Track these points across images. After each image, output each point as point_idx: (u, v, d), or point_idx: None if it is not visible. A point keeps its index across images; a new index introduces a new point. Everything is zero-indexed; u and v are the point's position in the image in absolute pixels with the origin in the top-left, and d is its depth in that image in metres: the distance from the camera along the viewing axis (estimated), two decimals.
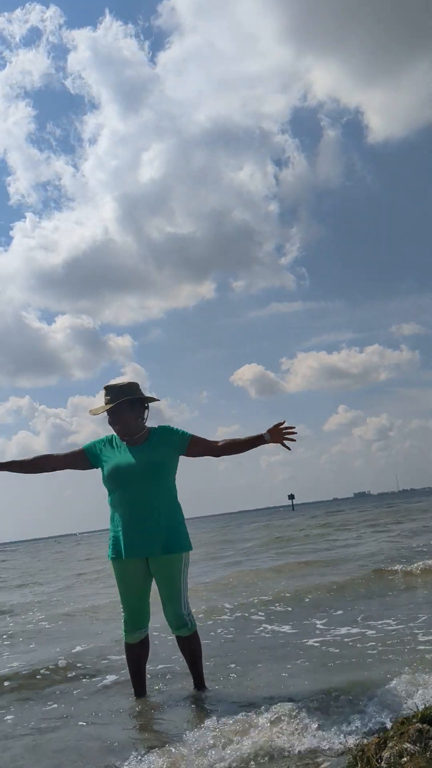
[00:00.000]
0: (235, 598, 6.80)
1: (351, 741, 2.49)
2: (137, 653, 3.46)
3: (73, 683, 4.03)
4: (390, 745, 2.25)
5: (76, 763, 2.71)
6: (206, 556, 13.35)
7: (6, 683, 4.07)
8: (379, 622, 4.88)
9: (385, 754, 2.21)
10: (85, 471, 3.48)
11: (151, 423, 3.45)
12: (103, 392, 3.39)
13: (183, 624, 3.33)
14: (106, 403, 3.35)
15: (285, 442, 3.39)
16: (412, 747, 2.20)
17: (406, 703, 2.90)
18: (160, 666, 4.08)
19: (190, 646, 3.41)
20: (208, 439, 3.46)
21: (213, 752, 2.58)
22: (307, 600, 6.34)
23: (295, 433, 3.39)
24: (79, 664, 4.39)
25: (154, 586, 3.38)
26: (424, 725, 2.30)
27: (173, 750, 2.65)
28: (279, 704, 3.07)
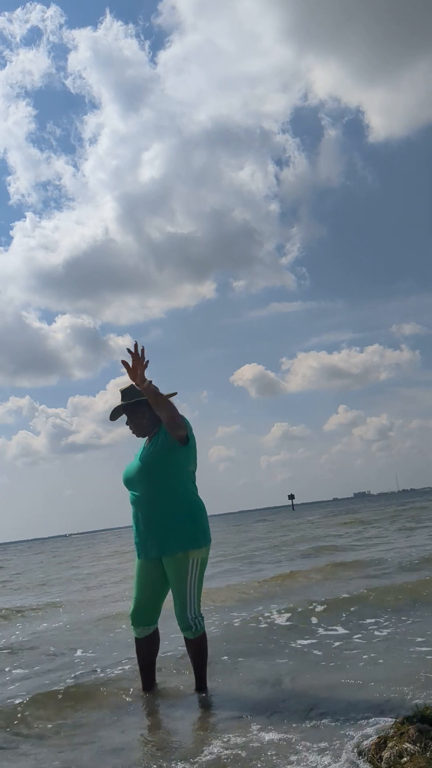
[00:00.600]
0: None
1: (351, 741, 2.48)
2: (145, 648, 3.49)
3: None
4: (390, 745, 2.25)
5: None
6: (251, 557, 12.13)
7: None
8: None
9: (385, 754, 2.21)
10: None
11: None
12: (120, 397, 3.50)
13: (188, 627, 3.31)
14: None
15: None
16: (412, 747, 2.20)
17: (406, 703, 2.90)
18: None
19: (195, 649, 3.39)
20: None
21: (211, 751, 2.58)
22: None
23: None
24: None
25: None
26: (424, 725, 2.30)
27: (171, 748, 2.65)
28: (279, 704, 3.08)
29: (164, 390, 3.45)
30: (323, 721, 2.83)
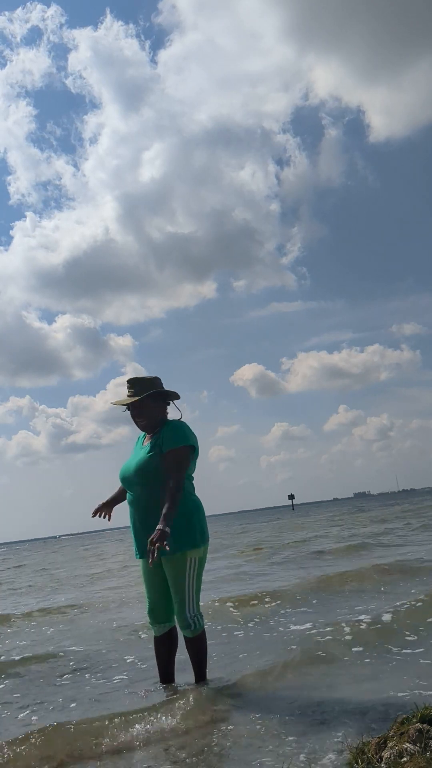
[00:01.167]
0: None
1: (351, 741, 2.48)
2: (163, 645, 3.51)
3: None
4: (390, 745, 2.25)
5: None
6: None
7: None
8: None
9: (385, 754, 2.21)
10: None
11: None
12: (126, 386, 3.44)
13: (187, 625, 3.33)
14: (129, 397, 3.40)
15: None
16: (412, 747, 2.20)
17: (405, 703, 2.90)
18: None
19: (194, 648, 3.42)
20: (172, 470, 3.22)
21: (210, 751, 2.58)
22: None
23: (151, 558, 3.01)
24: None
25: None
26: (424, 725, 2.30)
27: (169, 745, 2.65)
28: (277, 704, 3.08)
29: (166, 388, 3.45)
30: (323, 720, 2.83)
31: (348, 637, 4.35)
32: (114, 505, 3.63)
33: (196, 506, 3.39)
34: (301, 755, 2.48)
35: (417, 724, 2.31)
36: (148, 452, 3.34)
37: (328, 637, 4.34)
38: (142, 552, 3.38)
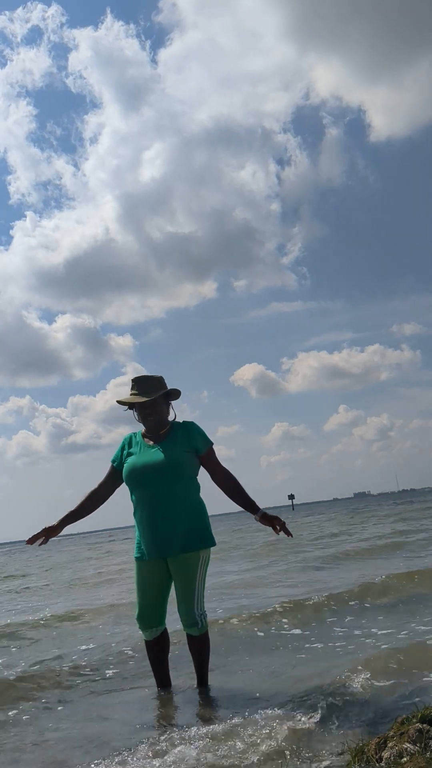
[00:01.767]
0: None
1: (350, 741, 2.48)
2: (156, 649, 3.50)
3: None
4: (390, 745, 2.24)
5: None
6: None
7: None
8: None
9: (385, 754, 2.21)
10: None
11: None
12: (130, 384, 3.41)
13: (194, 623, 3.34)
14: (133, 396, 3.38)
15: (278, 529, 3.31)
16: (412, 747, 2.19)
17: (406, 703, 2.90)
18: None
19: (199, 646, 3.42)
20: (219, 465, 3.43)
21: (210, 751, 2.58)
22: None
23: (291, 536, 3.34)
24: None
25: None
26: (424, 725, 2.30)
27: (169, 746, 2.64)
28: (278, 703, 3.07)
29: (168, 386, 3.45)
30: (323, 720, 2.82)
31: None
32: (64, 527, 3.41)
33: (205, 506, 3.43)
34: (301, 755, 2.48)
35: (417, 724, 2.30)
36: (172, 447, 3.33)
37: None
38: (160, 551, 3.29)
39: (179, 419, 3.50)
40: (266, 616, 5.46)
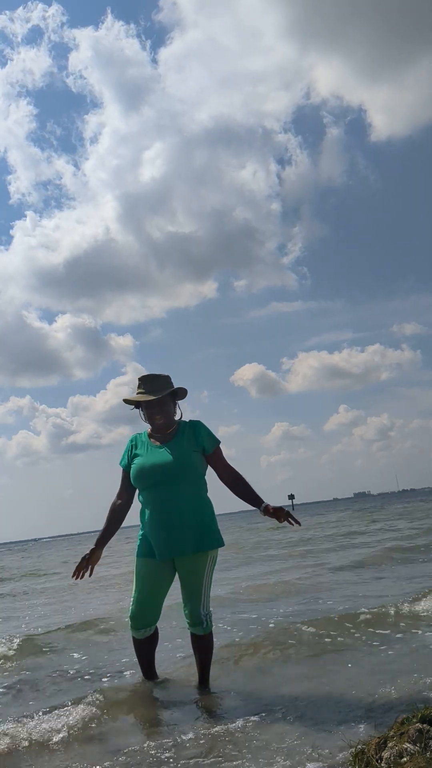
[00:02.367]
0: None
1: (350, 741, 2.48)
2: (146, 647, 3.52)
3: None
4: (390, 745, 2.25)
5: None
6: None
7: None
8: None
9: (385, 754, 2.21)
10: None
11: None
12: (137, 383, 3.41)
13: (199, 623, 3.36)
14: (140, 395, 3.37)
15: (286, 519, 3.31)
16: (412, 747, 2.20)
17: (406, 703, 2.90)
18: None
19: (203, 646, 3.43)
20: (226, 463, 3.44)
21: (210, 751, 2.58)
22: None
23: (298, 524, 3.33)
24: None
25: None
26: (424, 725, 2.30)
27: (169, 746, 2.65)
28: (278, 704, 3.08)
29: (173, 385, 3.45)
30: (323, 720, 2.83)
31: (355, 636, 4.35)
32: (103, 549, 3.38)
33: (212, 506, 3.44)
34: (301, 755, 2.48)
35: (417, 724, 2.30)
36: (183, 447, 3.33)
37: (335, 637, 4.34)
38: (170, 551, 3.29)
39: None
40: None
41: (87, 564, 3.32)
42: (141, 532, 3.41)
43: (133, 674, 3.99)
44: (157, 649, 3.65)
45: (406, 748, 2.20)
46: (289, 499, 72.77)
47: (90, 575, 3.33)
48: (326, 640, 4.37)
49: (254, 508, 3.37)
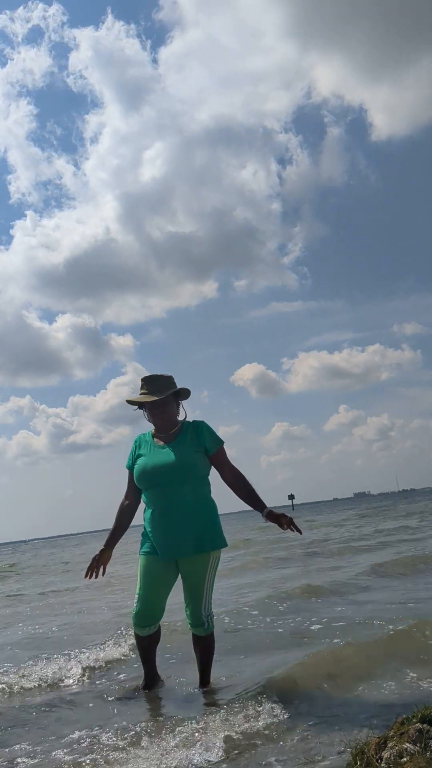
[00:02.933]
0: None
1: (350, 741, 2.48)
2: (148, 644, 3.51)
3: None
4: (390, 745, 2.24)
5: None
6: None
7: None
8: None
9: (385, 754, 2.21)
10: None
11: None
12: (141, 384, 3.40)
13: (200, 624, 3.36)
14: (143, 395, 3.37)
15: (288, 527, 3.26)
16: (412, 747, 2.20)
17: (405, 703, 2.91)
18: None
19: (203, 646, 3.43)
20: (229, 464, 3.43)
21: (211, 750, 2.58)
22: None
23: (299, 532, 3.31)
24: None
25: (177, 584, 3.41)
26: (424, 725, 2.30)
27: (169, 745, 2.65)
28: (279, 704, 3.08)
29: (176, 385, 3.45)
30: (323, 720, 2.83)
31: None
32: (113, 549, 3.46)
33: (216, 507, 3.44)
34: (301, 755, 2.48)
35: (417, 724, 2.30)
36: (186, 447, 3.32)
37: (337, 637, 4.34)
38: (172, 552, 3.30)
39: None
40: None
41: (98, 564, 3.40)
42: (144, 532, 3.42)
43: (132, 674, 3.99)
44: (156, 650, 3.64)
45: (406, 748, 2.19)
46: (289, 499, 72.78)
47: (104, 575, 3.43)
48: (326, 640, 4.37)
49: (248, 510, 3.37)
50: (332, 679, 3.50)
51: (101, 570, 3.41)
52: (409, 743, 2.22)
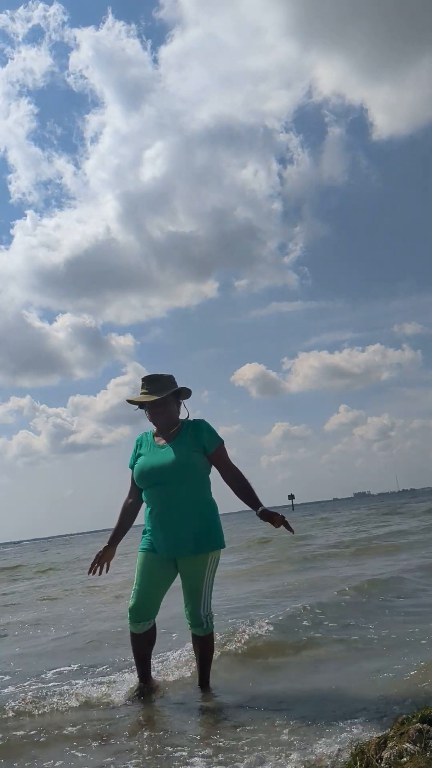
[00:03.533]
0: None
1: (351, 741, 2.48)
2: (144, 643, 3.49)
3: None
4: (390, 745, 2.24)
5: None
6: None
7: None
8: None
9: (385, 754, 2.21)
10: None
11: None
12: (141, 383, 3.41)
13: (199, 624, 3.36)
14: (144, 395, 3.38)
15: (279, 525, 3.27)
16: (412, 747, 2.20)
17: (406, 703, 2.91)
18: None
19: (203, 646, 3.43)
20: (229, 463, 3.42)
21: (209, 750, 2.58)
22: None
23: (291, 531, 3.31)
24: None
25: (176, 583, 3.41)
26: (424, 725, 2.30)
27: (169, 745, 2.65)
28: (279, 704, 3.08)
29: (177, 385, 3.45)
30: (323, 720, 2.83)
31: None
32: (116, 546, 3.49)
33: (216, 506, 3.43)
34: (302, 755, 2.48)
35: (417, 724, 2.30)
36: (185, 447, 3.33)
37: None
38: (171, 551, 3.31)
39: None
40: None
41: (101, 561, 3.45)
42: (144, 530, 3.43)
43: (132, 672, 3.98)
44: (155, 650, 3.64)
45: (406, 748, 2.19)
46: (289, 498, 72.74)
47: (107, 571, 3.49)
48: (325, 640, 4.38)
49: (247, 510, 3.39)
50: (332, 678, 3.50)
51: (106, 567, 3.47)
52: (409, 743, 2.21)
